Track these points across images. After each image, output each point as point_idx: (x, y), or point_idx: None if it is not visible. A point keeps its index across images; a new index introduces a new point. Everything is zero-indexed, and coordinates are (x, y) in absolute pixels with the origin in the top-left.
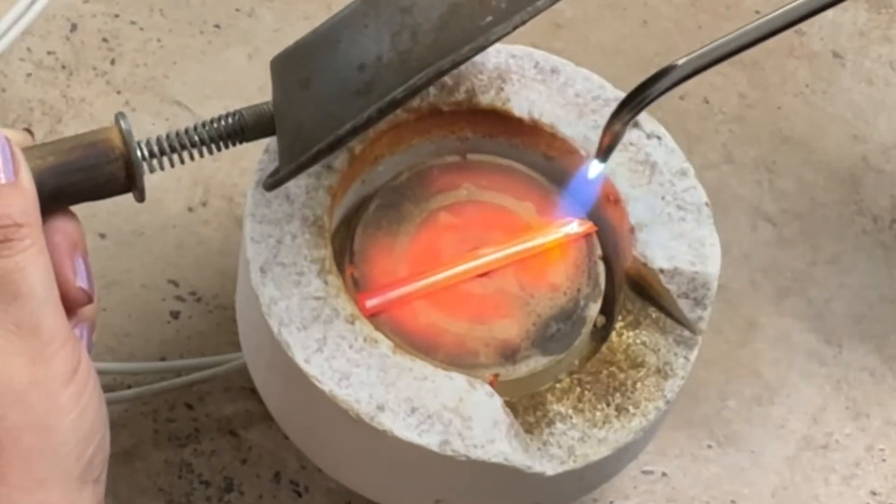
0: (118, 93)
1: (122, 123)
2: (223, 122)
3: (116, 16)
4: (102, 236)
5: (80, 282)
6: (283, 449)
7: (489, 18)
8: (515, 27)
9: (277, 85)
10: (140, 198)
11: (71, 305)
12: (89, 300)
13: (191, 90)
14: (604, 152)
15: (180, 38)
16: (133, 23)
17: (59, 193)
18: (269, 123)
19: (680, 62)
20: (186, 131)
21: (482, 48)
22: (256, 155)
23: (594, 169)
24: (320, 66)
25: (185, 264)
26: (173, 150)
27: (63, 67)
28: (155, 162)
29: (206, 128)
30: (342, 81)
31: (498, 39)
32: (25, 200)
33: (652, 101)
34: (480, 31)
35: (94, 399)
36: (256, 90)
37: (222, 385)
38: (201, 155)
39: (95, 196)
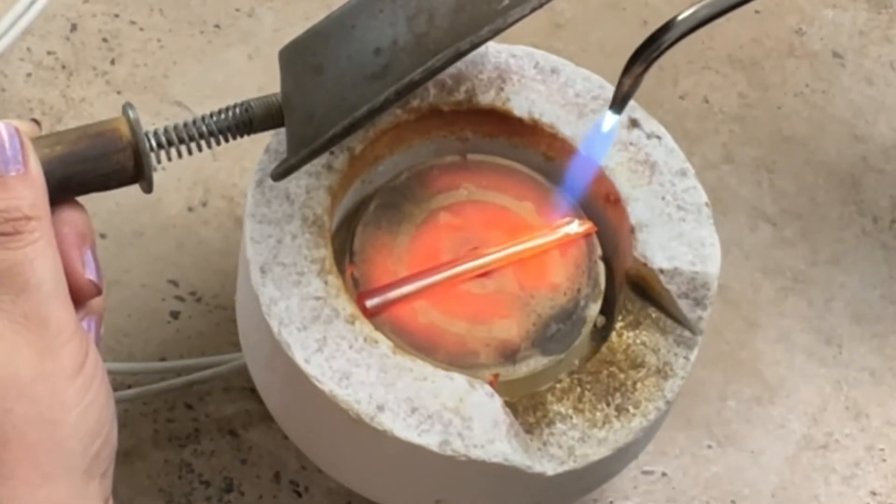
0: (118, 93)
1: (130, 113)
2: (231, 113)
3: (116, 16)
4: (103, 236)
5: (90, 274)
6: (283, 449)
7: (506, 1)
8: (533, 9)
9: (287, 74)
10: (148, 188)
11: (79, 298)
12: (98, 292)
13: (191, 90)
14: (618, 103)
15: (180, 38)
16: (133, 23)
17: (66, 183)
18: (278, 114)
19: (691, 10)
20: (195, 122)
21: (500, 30)
22: (257, 155)
23: (609, 121)
24: (334, 52)
25: (185, 264)
26: (181, 140)
27: (63, 67)
28: (163, 153)
29: (214, 118)
30: (357, 66)
31: (516, 21)
32: (35, 192)
33: (665, 50)
34: (498, 14)
35: (102, 393)
36: (256, 90)
37: (222, 385)
38: (209, 146)
39: (103, 186)
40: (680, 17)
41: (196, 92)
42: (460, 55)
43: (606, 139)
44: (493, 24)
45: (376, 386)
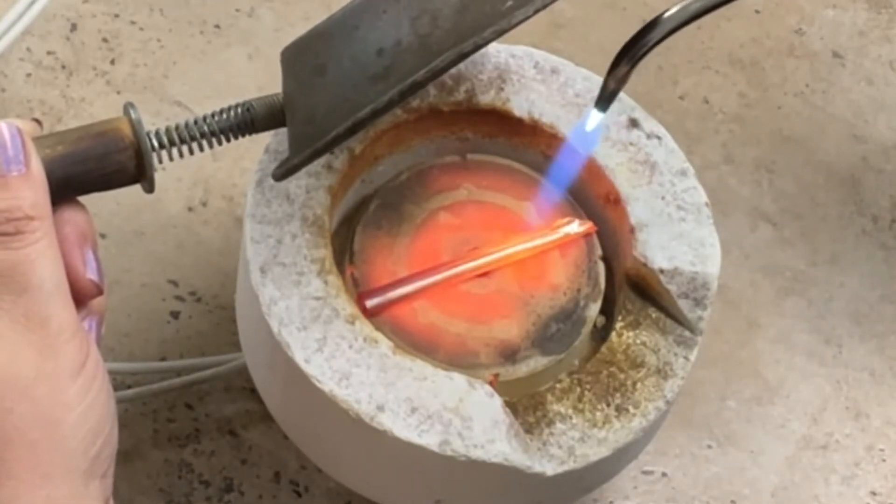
0: (118, 93)
1: (132, 113)
2: (233, 113)
3: (116, 16)
4: (103, 236)
5: (91, 273)
6: (283, 449)
7: (510, 2)
8: (537, 10)
9: (288, 74)
10: (149, 188)
11: (80, 298)
12: (99, 292)
13: (191, 90)
14: (604, 102)
15: (180, 38)
16: (133, 23)
17: (67, 183)
18: (279, 114)
19: (677, 8)
20: (196, 122)
21: (504, 31)
22: (257, 155)
23: (593, 119)
24: (337, 53)
25: (185, 264)
26: (182, 140)
27: (63, 67)
28: (164, 153)
29: (216, 118)
30: (360, 67)
31: (520, 23)
32: (36, 192)
33: (651, 48)
34: (502, 15)
35: (103, 393)
36: (256, 90)
37: (222, 385)
38: (210, 146)
39: (104, 186)
40: (665, 15)
41: (196, 92)
42: (464, 56)
43: (592, 137)
44: (497, 25)
45: (376, 386)
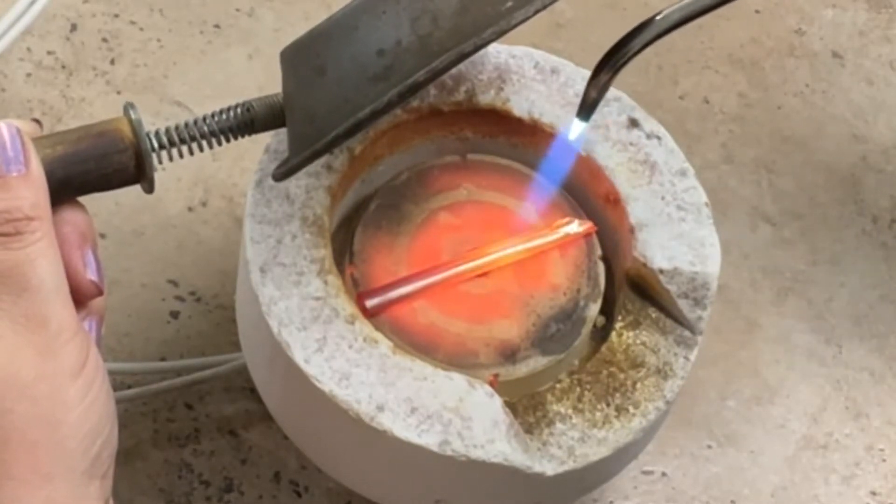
0: (118, 93)
1: (132, 113)
2: (233, 114)
3: (116, 16)
4: (102, 236)
5: (91, 274)
6: (283, 449)
7: (510, 3)
8: (537, 11)
9: (288, 75)
10: (149, 189)
11: (81, 298)
12: (99, 292)
13: (191, 90)
14: (585, 111)
15: (180, 38)
16: (133, 23)
17: (67, 183)
18: (279, 114)
19: (659, 16)
20: (196, 122)
21: (504, 32)
22: (257, 155)
23: (575, 128)
24: (336, 53)
25: (185, 264)
26: (182, 140)
27: (63, 67)
28: (164, 153)
29: (216, 119)
30: (360, 67)
31: (519, 23)
32: (36, 192)
33: (631, 57)
34: (501, 15)
35: (103, 393)
36: (256, 90)
37: (222, 385)
38: (210, 146)
39: (104, 186)
40: (653, 20)
41: (196, 92)
42: (464, 57)
43: (576, 144)
44: (497, 25)
45: (376, 386)
